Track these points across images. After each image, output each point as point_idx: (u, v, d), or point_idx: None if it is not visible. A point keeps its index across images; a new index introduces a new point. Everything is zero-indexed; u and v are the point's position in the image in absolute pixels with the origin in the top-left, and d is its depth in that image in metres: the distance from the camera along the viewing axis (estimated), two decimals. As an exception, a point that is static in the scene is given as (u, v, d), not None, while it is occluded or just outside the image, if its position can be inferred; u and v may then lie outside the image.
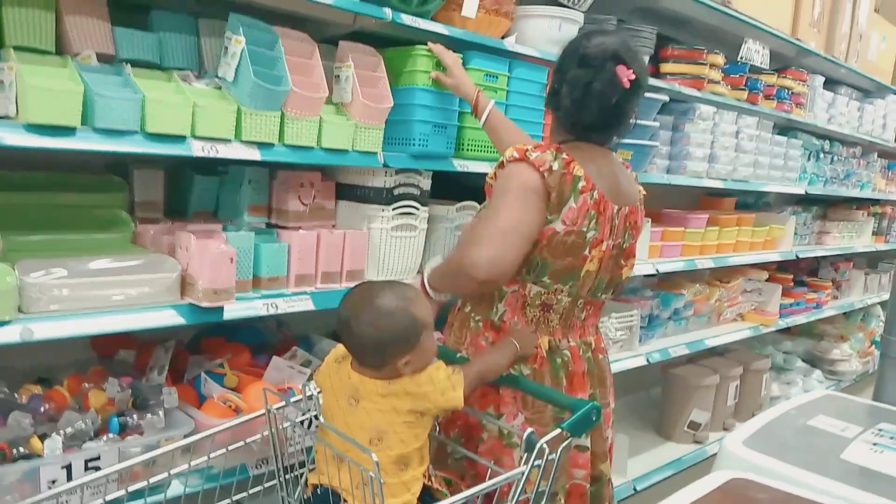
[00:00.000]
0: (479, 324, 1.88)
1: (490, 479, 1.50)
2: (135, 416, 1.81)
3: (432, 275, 1.82)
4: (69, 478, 1.63)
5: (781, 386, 4.57)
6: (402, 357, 1.51)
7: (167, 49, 1.98)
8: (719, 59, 3.48)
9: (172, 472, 1.61)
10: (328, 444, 1.55)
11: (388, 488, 1.48)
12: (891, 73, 5.29)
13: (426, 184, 2.35)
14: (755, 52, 3.66)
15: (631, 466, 3.26)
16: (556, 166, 1.70)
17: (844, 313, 5.51)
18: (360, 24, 2.21)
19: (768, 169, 4.04)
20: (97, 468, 1.65)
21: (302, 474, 1.72)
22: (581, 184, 1.71)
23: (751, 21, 3.49)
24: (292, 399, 1.73)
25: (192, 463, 1.64)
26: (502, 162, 1.77)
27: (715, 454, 1.80)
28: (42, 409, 1.73)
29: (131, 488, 1.55)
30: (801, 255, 4.48)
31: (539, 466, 1.46)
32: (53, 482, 1.61)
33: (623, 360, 3.08)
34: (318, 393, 1.69)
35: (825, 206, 5.25)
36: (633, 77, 1.73)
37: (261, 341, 2.36)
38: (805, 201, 5.09)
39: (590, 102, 1.75)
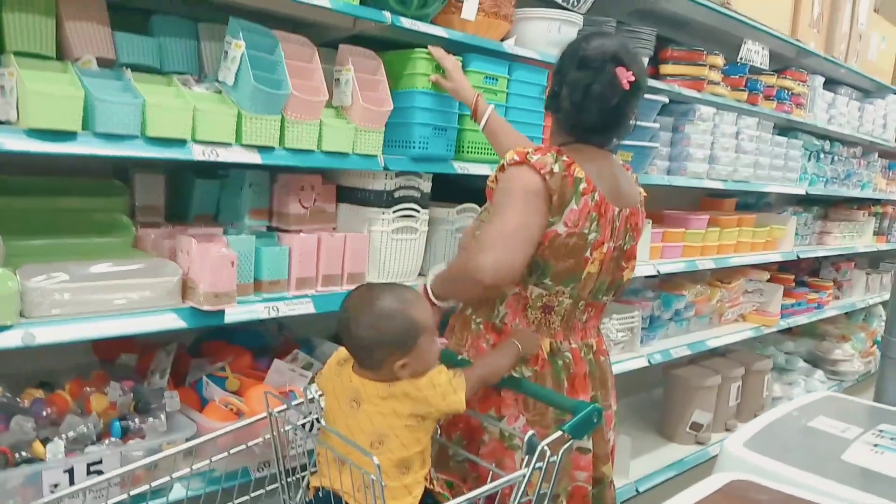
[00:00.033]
0: (480, 326, 1.88)
1: (491, 481, 1.51)
2: (137, 420, 1.81)
3: (435, 281, 1.82)
4: (71, 482, 1.63)
5: (783, 386, 4.57)
6: (398, 359, 1.51)
7: (167, 53, 1.98)
8: (719, 60, 3.48)
9: (174, 475, 1.62)
10: (330, 447, 1.55)
11: (390, 491, 1.48)
12: (891, 73, 5.29)
13: (426, 186, 2.35)
14: (755, 53, 3.66)
15: (633, 468, 3.26)
16: (556, 168, 1.70)
17: (846, 313, 5.50)
18: (360, 28, 2.22)
19: (769, 169, 4.04)
20: (99, 472, 1.65)
21: (303, 477, 1.72)
22: (582, 185, 1.72)
23: (750, 22, 3.49)
24: (294, 402, 1.73)
25: (194, 466, 1.64)
26: (503, 165, 1.77)
27: (717, 455, 1.80)
28: (44, 413, 1.73)
29: (133, 492, 1.56)
30: (802, 256, 4.48)
31: (540, 469, 1.46)
32: (56, 486, 1.61)
33: (624, 361, 3.08)
34: (320, 396, 1.69)
35: (826, 207, 5.25)
36: (632, 79, 1.73)
37: (262, 344, 2.37)
38: (806, 202, 5.09)
39: (590, 104, 1.76)
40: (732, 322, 4.11)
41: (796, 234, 4.52)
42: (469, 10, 2.33)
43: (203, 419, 1.91)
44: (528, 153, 1.73)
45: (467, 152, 2.40)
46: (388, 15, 2.10)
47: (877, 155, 5.53)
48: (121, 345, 2.09)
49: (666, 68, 3.32)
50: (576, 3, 2.70)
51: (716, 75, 3.50)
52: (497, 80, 2.42)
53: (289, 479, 1.72)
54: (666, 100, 3.15)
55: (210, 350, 2.27)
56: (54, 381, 1.92)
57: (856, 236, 5.27)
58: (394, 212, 2.26)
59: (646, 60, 3.03)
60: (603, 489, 1.93)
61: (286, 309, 2.01)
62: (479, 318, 1.89)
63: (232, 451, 1.70)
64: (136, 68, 1.86)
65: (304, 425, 1.72)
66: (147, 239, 2.00)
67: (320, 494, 1.60)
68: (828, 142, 4.80)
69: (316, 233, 2.16)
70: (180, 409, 1.91)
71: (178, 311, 1.81)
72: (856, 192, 5.21)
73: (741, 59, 3.62)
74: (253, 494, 1.74)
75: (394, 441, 1.52)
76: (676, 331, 3.67)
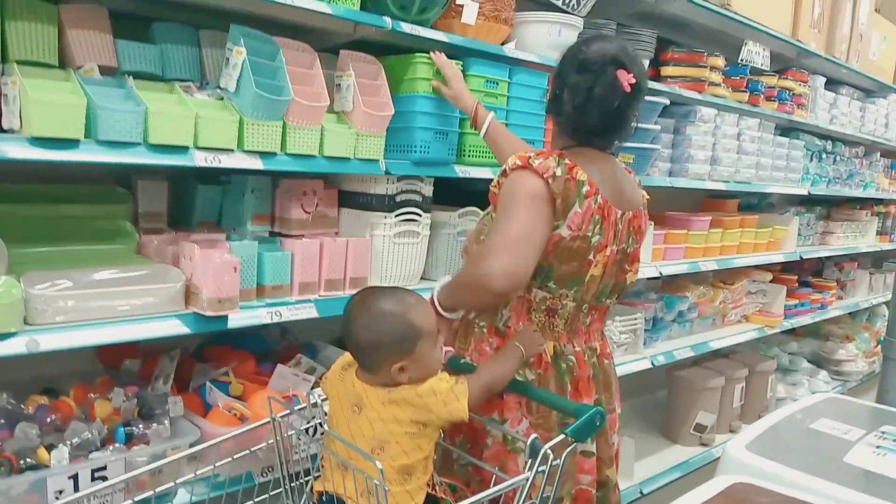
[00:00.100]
0: (483, 330, 1.88)
1: (495, 485, 1.50)
2: (141, 426, 1.81)
3: (442, 292, 1.80)
4: (76, 488, 1.63)
5: (787, 387, 4.56)
6: (396, 362, 1.51)
7: (169, 60, 1.99)
8: (720, 62, 3.49)
9: (178, 480, 1.62)
10: (333, 452, 1.56)
11: (392, 496, 1.48)
12: (892, 73, 5.28)
13: (428, 190, 2.36)
14: (756, 54, 3.66)
15: (637, 469, 3.25)
16: (559, 172, 1.70)
17: (850, 313, 5.49)
18: (361, 34, 2.22)
19: (770, 170, 4.04)
20: (104, 478, 1.66)
21: (307, 482, 1.72)
22: (585, 188, 1.71)
23: (751, 23, 3.50)
24: (297, 407, 1.74)
25: (198, 471, 1.64)
26: (505, 170, 1.77)
27: (720, 457, 1.80)
28: (48, 419, 1.74)
29: (138, 498, 1.56)
30: (804, 256, 4.47)
31: (543, 472, 1.46)
32: (60, 492, 1.62)
33: (628, 363, 3.07)
34: (323, 400, 1.70)
35: (828, 207, 5.25)
36: (633, 81, 1.73)
37: (265, 349, 2.37)
38: (808, 202, 5.09)
39: (591, 107, 1.75)
40: (736, 323, 4.11)
41: (799, 234, 4.52)
42: (469, 15, 2.33)
43: (207, 424, 1.92)
44: (530, 157, 1.73)
45: (468, 156, 2.40)
46: (388, 20, 2.11)
47: (879, 154, 5.52)
48: (124, 351, 2.10)
49: (667, 70, 3.33)
50: (576, 6, 2.70)
51: (717, 77, 3.51)
52: (497, 83, 2.42)
53: (292, 484, 1.72)
54: (667, 101, 3.16)
55: (213, 355, 2.28)
56: (58, 388, 1.93)
57: (858, 236, 5.26)
58: (396, 216, 2.27)
59: (646, 62, 3.04)
60: (607, 492, 1.92)
61: (289, 314, 2.01)
62: (482, 321, 1.88)
63: (236, 456, 1.70)
64: (138, 76, 1.87)
65: (307, 430, 1.73)
66: (150, 245, 2.01)
67: (324, 499, 1.60)
68: (830, 142, 4.80)
69: (318, 237, 2.16)
70: (184, 414, 1.92)
71: (181, 316, 1.81)
72: (858, 192, 5.20)
73: (742, 60, 3.62)
74: (257, 499, 1.75)
75: (395, 448, 1.52)
76: (679, 332, 3.67)
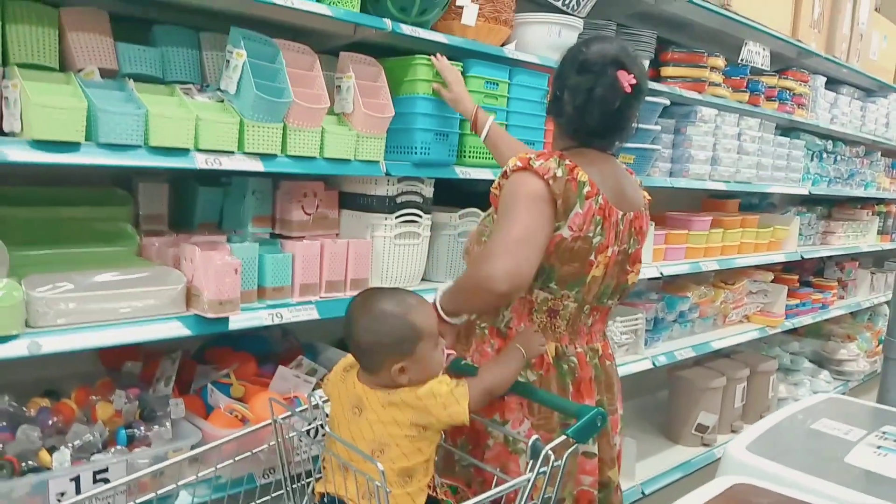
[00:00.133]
0: (484, 331, 1.88)
1: (496, 486, 1.50)
2: (142, 428, 1.82)
3: (444, 297, 1.78)
4: (78, 490, 1.64)
5: (789, 387, 4.55)
6: (396, 362, 1.51)
7: (169, 63, 1.99)
8: (720, 62, 3.49)
9: (180, 482, 1.62)
10: (334, 454, 1.56)
11: (393, 498, 1.48)
12: (893, 72, 5.28)
13: (428, 191, 2.36)
14: (756, 54, 3.66)
15: (639, 470, 3.25)
16: (559, 173, 1.70)
17: (851, 313, 5.49)
18: (361, 35, 2.23)
19: (771, 170, 4.04)
20: (106, 480, 1.66)
21: (309, 483, 1.72)
22: (586, 189, 1.71)
23: (751, 23, 3.50)
24: (298, 409, 1.74)
25: (200, 473, 1.64)
26: (505, 172, 1.77)
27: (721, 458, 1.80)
28: (50, 421, 1.74)
29: (139, 500, 1.57)
30: (805, 256, 4.47)
31: (545, 473, 1.46)
32: (62, 495, 1.62)
33: (629, 363, 3.07)
34: (325, 402, 1.70)
35: (829, 207, 5.24)
36: (634, 82, 1.73)
37: (266, 350, 2.37)
38: (809, 202, 5.09)
39: (592, 108, 1.75)
40: (737, 323, 4.10)
41: (800, 234, 4.51)
42: (469, 16, 2.34)
43: (208, 426, 1.92)
44: (530, 159, 1.73)
45: (469, 157, 2.40)
46: (388, 22, 2.11)
47: (880, 154, 5.52)
48: (126, 353, 2.10)
49: (667, 70, 3.33)
50: (576, 7, 2.70)
51: (717, 77, 3.51)
52: (498, 85, 2.42)
53: (294, 486, 1.73)
54: (667, 102, 3.16)
55: (215, 357, 2.28)
56: (60, 390, 1.94)
57: (860, 236, 5.26)
58: (396, 217, 2.27)
59: (646, 63, 3.04)
60: (609, 493, 1.92)
61: (290, 315, 2.02)
62: (483, 323, 1.88)
63: (237, 458, 1.70)
64: (138, 78, 1.87)
65: (308, 431, 1.73)
66: (151, 247, 2.01)
67: (325, 500, 1.60)
68: (830, 142, 4.80)
69: (319, 239, 2.17)
70: (185, 416, 1.92)
71: (182, 318, 1.82)
72: (859, 192, 5.20)
73: (742, 60, 3.62)
74: (259, 501, 1.75)
75: (395, 450, 1.52)
76: (681, 332, 3.67)
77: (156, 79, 1.96)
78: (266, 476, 1.91)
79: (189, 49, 2.03)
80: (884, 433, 1.86)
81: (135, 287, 1.76)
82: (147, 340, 1.76)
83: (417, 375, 1.53)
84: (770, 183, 4.07)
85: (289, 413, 1.71)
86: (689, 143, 3.44)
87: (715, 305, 3.85)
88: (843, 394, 4.83)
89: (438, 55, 2.25)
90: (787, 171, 4.21)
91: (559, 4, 2.66)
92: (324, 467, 1.64)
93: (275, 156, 1.95)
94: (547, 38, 2.58)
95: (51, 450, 1.67)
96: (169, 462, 1.62)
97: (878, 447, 1.77)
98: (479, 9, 2.37)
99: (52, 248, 1.87)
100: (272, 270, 2.02)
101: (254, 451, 1.74)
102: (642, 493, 3.15)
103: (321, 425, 1.68)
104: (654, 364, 3.22)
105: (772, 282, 4.37)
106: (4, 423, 1.70)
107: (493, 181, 1.84)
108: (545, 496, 1.54)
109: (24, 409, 1.78)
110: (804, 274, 4.96)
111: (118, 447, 1.76)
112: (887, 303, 5.69)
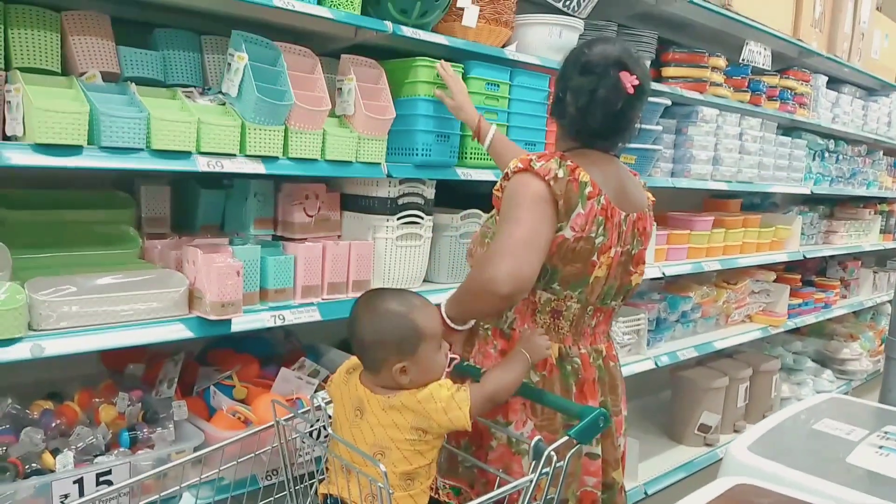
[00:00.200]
0: (487, 332, 1.88)
1: (499, 487, 1.51)
2: (145, 430, 1.82)
3: (449, 302, 1.79)
4: (81, 493, 1.64)
5: (792, 387, 4.55)
6: (397, 362, 1.51)
7: (171, 66, 2.00)
8: (721, 62, 3.49)
9: (183, 484, 1.63)
10: (337, 456, 1.56)
11: (396, 500, 1.49)
12: (894, 71, 5.27)
13: (430, 193, 2.37)
14: (757, 54, 3.66)
15: (642, 470, 3.25)
16: (561, 174, 1.70)
17: (854, 312, 5.48)
18: (362, 38, 2.23)
19: (773, 170, 4.04)
20: (109, 482, 1.67)
21: (312, 485, 1.73)
22: (588, 189, 1.71)
23: (751, 23, 3.49)
24: (300, 411, 1.74)
25: (203, 475, 1.65)
26: (507, 173, 1.77)
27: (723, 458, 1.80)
28: (53, 424, 1.75)
29: (143, 502, 1.58)
30: (808, 255, 4.46)
31: (548, 474, 1.46)
32: (66, 497, 1.62)
33: (631, 363, 3.07)
34: (327, 403, 1.70)
35: (831, 206, 5.24)
36: (636, 83, 1.73)
37: (269, 352, 2.38)
38: (811, 201, 5.08)
39: (595, 109, 1.75)
40: (739, 323, 4.10)
41: (802, 233, 4.51)
42: (470, 18, 2.34)
43: (211, 428, 1.92)
44: (531, 160, 1.73)
45: (470, 158, 2.41)
46: (389, 24, 2.11)
47: (882, 153, 5.51)
48: (128, 355, 2.10)
49: (668, 71, 3.33)
50: (576, 8, 2.70)
51: (718, 77, 3.50)
52: (499, 86, 2.43)
53: (297, 487, 1.73)
54: (668, 102, 3.16)
55: (217, 358, 2.28)
56: (63, 392, 1.94)
57: (862, 235, 5.25)
58: (398, 219, 2.27)
59: (648, 63, 3.04)
60: (613, 494, 1.92)
61: (292, 317, 2.02)
62: (486, 324, 1.88)
63: (240, 460, 1.71)
64: (140, 82, 1.88)
65: (311, 433, 1.73)
66: (153, 250, 2.02)
67: (328, 502, 1.60)
68: (832, 141, 4.79)
69: (321, 241, 2.17)
70: (188, 418, 1.93)
71: (184, 321, 1.82)
72: (861, 191, 5.19)
73: (743, 60, 3.62)
74: (262, 502, 1.75)
75: (395, 454, 1.52)
76: (683, 332, 3.66)
77: (157, 82, 1.97)
78: (269, 478, 1.91)
79: (191, 52, 2.04)
80: (885, 433, 1.86)
81: (137, 290, 1.76)
82: (150, 343, 1.76)
83: (418, 377, 1.53)
84: (772, 182, 4.07)
85: (291, 415, 1.71)
86: (691, 143, 3.44)
87: (717, 305, 3.85)
88: (847, 393, 4.82)
89: (442, 63, 2.25)
90: (788, 171, 4.21)
91: (560, 5, 2.66)
92: (327, 469, 1.65)
93: (276, 158, 1.95)
94: (548, 40, 2.58)
95: (54, 452, 1.67)
96: (172, 464, 1.63)
97: (880, 447, 1.77)
98: (480, 10, 2.37)
99: (55, 251, 1.87)
100: (274, 272, 2.03)
101: (256, 452, 1.75)
102: (645, 493, 3.15)
103: (324, 427, 1.68)
104: (656, 364, 3.21)
105: (774, 281, 4.36)
106: (8, 426, 1.71)
107: (494, 182, 1.84)
108: (548, 497, 1.54)
109: (28, 411, 1.79)
110: (806, 273, 4.95)
111: (121, 449, 1.77)
112: (890, 302, 5.68)
